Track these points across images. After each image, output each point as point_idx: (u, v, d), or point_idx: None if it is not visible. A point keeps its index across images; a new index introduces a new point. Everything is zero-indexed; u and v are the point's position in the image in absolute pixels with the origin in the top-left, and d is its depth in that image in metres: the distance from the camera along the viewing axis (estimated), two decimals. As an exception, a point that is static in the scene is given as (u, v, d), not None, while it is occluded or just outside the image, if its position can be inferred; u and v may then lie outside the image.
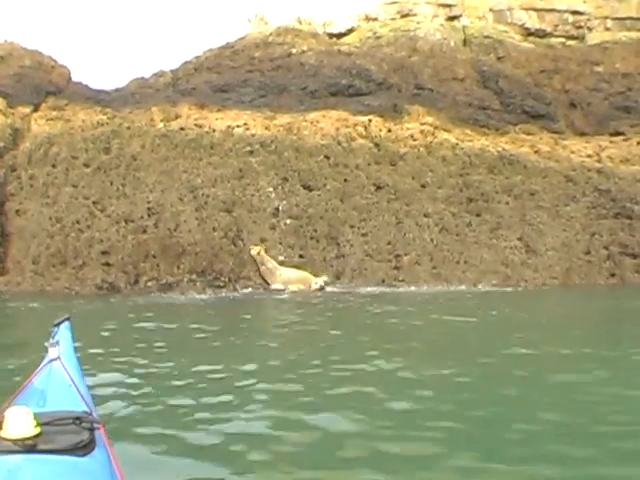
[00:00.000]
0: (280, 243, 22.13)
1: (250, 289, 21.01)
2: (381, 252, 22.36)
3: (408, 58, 30.35)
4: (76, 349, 3.84)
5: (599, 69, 33.04)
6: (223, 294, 20.18)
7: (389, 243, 22.63)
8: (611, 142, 29.24)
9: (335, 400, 6.61)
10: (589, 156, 27.72)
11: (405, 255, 22.44)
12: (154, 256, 21.87)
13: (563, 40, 34.44)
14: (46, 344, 3.60)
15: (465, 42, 32.91)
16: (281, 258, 21.76)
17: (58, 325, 3.96)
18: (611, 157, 27.81)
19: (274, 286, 21.00)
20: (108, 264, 21.89)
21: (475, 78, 30.33)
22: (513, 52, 32.41)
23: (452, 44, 32.06)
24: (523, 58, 32.18)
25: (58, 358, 3.43)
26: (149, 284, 21.37)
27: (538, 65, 32.23)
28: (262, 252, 21.12)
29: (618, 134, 29.88)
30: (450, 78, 29.77)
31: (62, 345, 3.60)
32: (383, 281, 21.71)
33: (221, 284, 20.97)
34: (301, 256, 21.99)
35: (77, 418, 2.46)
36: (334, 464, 4.81)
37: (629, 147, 28.68)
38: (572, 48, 33.51)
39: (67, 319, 4.09)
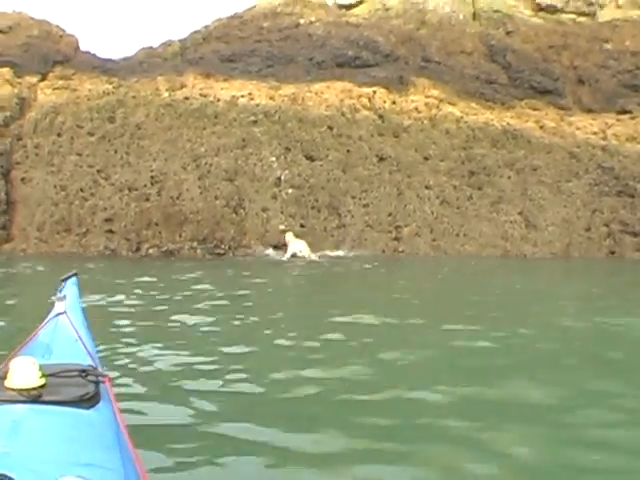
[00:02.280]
0: (281, 212, 22.28)
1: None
2: (382, 223, 22.48)
3: (416, 30, 30.20)
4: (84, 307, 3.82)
5: (608, 46, 32.69)
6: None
7: (390, 214, 22.73)
8: (618, 120, 29.03)
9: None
10: (594, 133, 27.56)
11: (405, 226, 22.56)
12: (156, 224, 22.12)
13: (574, 16, 34.07)
14: (53, 298, 3.63)
15: (474, 16, 32.64)
16: (282, 227, 21.93)
17: (65, 280, 3.97)
18: (617, 135, 27.64)
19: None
20: (111, 231, 22.18)
21: (483, 52, 30.13)
22: (522, 27, 32.13)
23: (461, 17, 31.84)
24: (532, 33, 31.90)
25: (64, 312, 3.42)
26: (150, 251, 21.66)
27: (547, 40, 31.94)
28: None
29: (625, 112, 29.64)
30: (458, 51, 29.60)
31: (69, 300, 3.60)
32: (383, 251, 21.85)
33: (221, 252, 21.22)
34: (302, 225, 22.15)
35: (83, 371, 2.45)
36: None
37: (636, 125, 28.47)
38: (582, 24, 33.15)
39: (74, 275, 4.07)
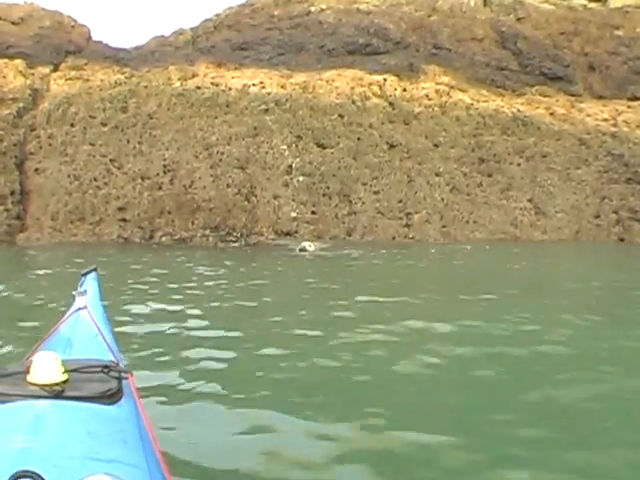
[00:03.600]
0: (293, 200, 22.47)
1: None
2: (392, 210, 22.63)
3: (427, 17, 30.21)
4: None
5: (619, 33, 32.58)
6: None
7: (400, 201, 22.88)
8: (629, 107, 29.01)
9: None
10: (605, 120, 27.55)
11: (416, 213, 22.71)
12: (169, 212, 22.39)
13: (585, 3, 33.96)
14: (73, 293, 3.59)
15: (485, 2, 32.62)
16: (293, 214, 22.11)
17: (85, 275, 3.94)
18: (627, 121, 27.63)
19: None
20: (124, 220, 22.47)
21: (494, 39, 30.13)
22: (533, 13, 32.08)
23: (472, 4, 31.82)
24: (543, 19, 31.84)
25: (85, 307, 3.39)
26: (163, 239, 21.94)
27: (558, 27, 31.88)
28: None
29: (636, 99, 29.60)
30: (469, 38, 29.60)
31: (89, 295, 3.57)
32: (393, 238, 22.01)
33: (233, 239, 21.45)
34: (313, 212, 22.34)
35: (105, 366, 2.41)
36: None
37: (646, 112, 28.48)
38: (593, 11, 33.04)
39: (94, 270, 4.03)
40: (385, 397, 4.82)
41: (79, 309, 3.39)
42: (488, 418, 4.33)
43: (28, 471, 1.44)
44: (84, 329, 3.16)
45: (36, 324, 6.91)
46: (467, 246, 19.91)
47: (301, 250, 19.28)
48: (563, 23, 32.27)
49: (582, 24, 32.42)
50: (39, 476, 1.44)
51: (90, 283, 3.83)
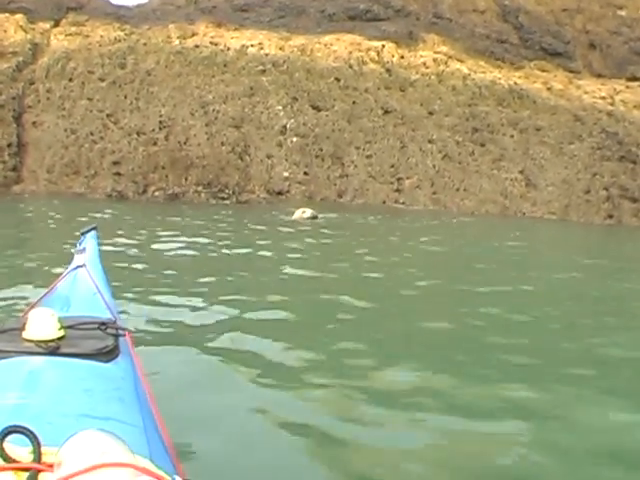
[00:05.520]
0: (286, 160, 22.67)
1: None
2: (384, 174, 22.84)
3: (429, -14, 30.11)
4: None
5: (622, 13, 32.52)
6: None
7: (392, 166, 23.07)
8: (627, 87, 28.99)
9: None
10: (602, 98, 27.58)
11: (407, 179, 22.91)
12: (163, 167, 22.58)
13: (589, -20, 33.85)
14: (72, 251, 3.59)
15: (489, -25, 32.49)
16: (286, 174, 22.33)
17: (84, 234, 3.91)
18: (625, 101, 27.66)
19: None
20: (119, 174, 22.66)
21: (495, 11, 30.10)
22: (537, -12, 32.00)
23: (475, -24, 31.69)
24: (546, -5, 31.79)
25: (84, 265, 3.36)
26: (156, 194, 22.14)
27: (560, 3, 31.82)
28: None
29: (635, 79, 29.58)
30: (470, 9, 29.58)
31: (88, 253, 3.55)
32: (384, 202, 22.24)
33: (225, 196, 21.69)
34: (306, 173, 22.55)
35: (102, 323, 2.37)
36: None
37: (644, 93, 28.51)
38: (596, -11, 32.95)
39: (94, 228, 3.98)
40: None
41: (77, 267, 3.37)
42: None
43: (19, 426, 1.38)
44: (82, 287, 3.14)
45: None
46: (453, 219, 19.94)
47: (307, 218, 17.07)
48: (566, 0, 32.22)
49: (585, 2, 32.34)
50: (31, 432, 1.38)
51: (89, 241, 3.81)
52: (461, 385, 4.25)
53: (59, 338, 2.15)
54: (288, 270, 8.74)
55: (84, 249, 3.57)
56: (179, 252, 9.96)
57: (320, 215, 17.42)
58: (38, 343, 2.11)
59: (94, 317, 2.47)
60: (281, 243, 12.04)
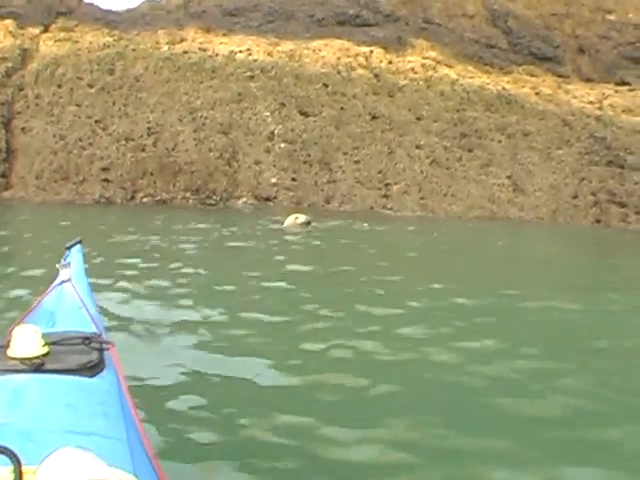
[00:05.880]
0: (274, 166, 22.71)
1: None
2: (371, 180, 22.89)
3: (419, -8, 30.18)
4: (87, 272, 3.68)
5: (611, 17, 32.58)
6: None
7: (380, 172, 23.13)
8: (616, 91, 29.07)
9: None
10: (591, 103, 27.67)
11: (395, 184, 22.96)
12: (151, 173, 22.62)
13: (578, -16, 33.92)
14: (57, 266, 3.52)
15: (478, -20, 32.57)
16: (273, 180, 22.37)
17: (70, 248, 3.85)
18: (613, 106, 27.74)
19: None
20: (107, 180, 22.69)
21: (485, 16, 30.16)
22: (526, -7, 32.08)
23: (465, -19, 31.76)
24: (535, 0, 31.86)
25: (69, 280, 3.32)
26: (145, 200, 22.19)
27: (550, 8, 31.87)
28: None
29: (624, 84, 29.65)
30: (459, 14, 29.63)
31: (73, 267, 3.51)
32: (371, 208, 22.28)
33: (213, 202, 21.74)
34: (293, 179, 22.60)
35: (86, 338, 2.36)
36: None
37: (633, 98, 28.50)
38: (586, -6, 33.03)
39: (79, 242, 3.93)
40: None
41: (63, 282, 3.34)
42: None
43: (3, 447, 1.39)
44: (67, 302, 3.12)
45: None
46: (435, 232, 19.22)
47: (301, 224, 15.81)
48: (555, 4, 32.26)
49: (574, 6, 32.41)
50: (11, 452, 1.39)
51: (75, 255, 3.77)
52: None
53: (44, 355, 2.15)
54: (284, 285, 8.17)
55: (69, 263, 3.54)
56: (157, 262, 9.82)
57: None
58: (23, 360, 2.11)
59: (79, 332, 2.47)
60: (273, 258, 10.78)
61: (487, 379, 4.59)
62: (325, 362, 4.92)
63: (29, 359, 2.12)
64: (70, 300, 3.12)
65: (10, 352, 2.16)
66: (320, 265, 10.04)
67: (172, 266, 9.07)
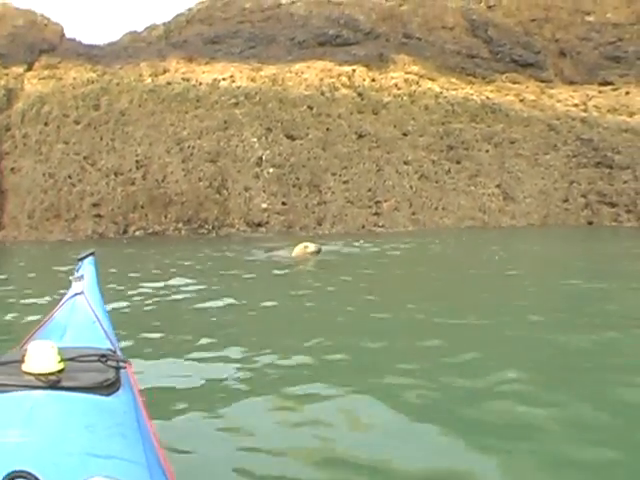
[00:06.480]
0: (264, 191, 22.80)
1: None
2: (362, 199, 22.98)
3: (398, 7, 30.37)
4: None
5: (590, 18, 32.79)
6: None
7: (369, 190, 23.22)
8: (600, 92, 29.24)
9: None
10: (575, 105, 27.83)
11: (385, 201, 23.05)
12: (142, 206, 22.71)
13: (556, -12, 34.18)
14: (70, 278, 3.50)
15: (456, -9, 32.80)
16: (264, 205, 22.45)
17: (82, 260, 3.81)
18: (598, 106, 27.90)
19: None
20: (99, 215, 22.79)
21: (464, 27, 30.36)
22: (504, 1, 32.31)
23: (443, -7, 31.98)
24: (514, 7, 32.07)
25: (82, 293, 3.27)
26: (137, 233, 22.27)
27: (529, 14, 32.12)
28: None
29: (607, 84, 29.82)
30: (439, 27, 29.83)
31: (86, 280, 3.46)
32: (363, 227, 22.37)
33: (205, 231, 21.83)
34: (284, 203, 22.67)
35: (103, 355, 2.30)
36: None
37: (617, 97, 28.69)
38: (564, -3, 33.28)
39: (91, 254, 3.89)
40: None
41: (76, 294, 3.28)
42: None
43: (23, 471, 1.37)
44: (81, 316, 3.04)
45: None
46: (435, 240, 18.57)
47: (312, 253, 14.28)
48: (534, 10, 32.50)
49: (553, 10, 32.66)
50: (34, 477, 1.37)
51: (87, 268, 3.70)
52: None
53: (59, 371, 2.10)
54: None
55: (82, 276, 3.47)
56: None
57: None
58: (38, 376, 2.06)
59: (94, 348, 2.43)
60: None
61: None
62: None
63: (45, 375, 2.07)
64: (83, 314, 3.06)
65: (25, 367, 2.10)
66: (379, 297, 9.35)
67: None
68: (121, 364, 2.31)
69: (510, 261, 13.01)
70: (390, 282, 10.99)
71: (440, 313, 7.44)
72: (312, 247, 14.53)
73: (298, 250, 14.60)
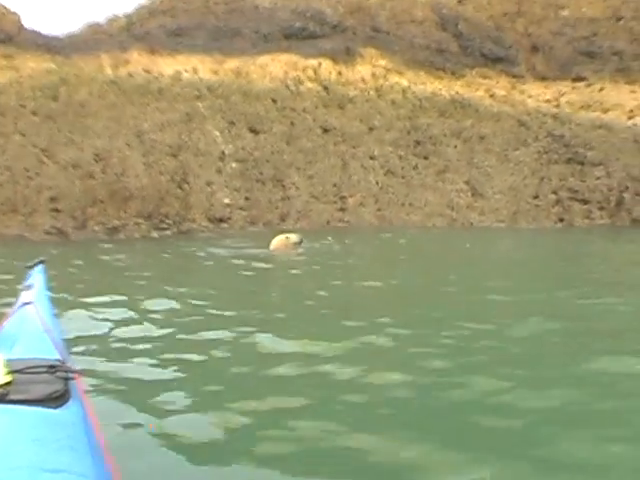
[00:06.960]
0: (226, 186, 22.25)
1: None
2: (326, 194, 22.51)
3: (365, 0, 29.90)
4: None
5: (564, 13, 32.50)
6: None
7: (334, 185, 22.77)
8: (573, 87, 28.99)
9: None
10: (547, 101, 27.58)
11: (350, 197, 22.62)
12: (102, 201, 22.00)
13: (529, -17, 33.88)
14: (19, 287, 3.43)
15: (426, -15, 32.38)
16: (227, 201, 21.89)
17: (32, 268, 3.72)
18: (570, 102, 27.67)
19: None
20: (57, 210, 22.04)
21: (434, 21, 29.95)
22: (475, -5, 31.98)
23: (412, -14, 31.54)
24: (485, 1, 31.73)
25: (31, 302, 3.18)
26: (96, 228, 21.59)
27: (501, 8, 31.76)
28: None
29: (580, 79, 29.57)
30: (408, 21, 29.38)
31: (36, 289, 3.37)
32: (328, 222, 21.90)
33: (166, 226, 21.21)
34: (247, 198, 22.15)
35: (51, 366, 2.25)
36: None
37: (591, 93, 28.47)
38: (538, -9, 32.99)
39: (41, 262, 3.80)
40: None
41: (25, 304, 3.18)
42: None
43: None
44: (30, 326, 2.96)
45: None
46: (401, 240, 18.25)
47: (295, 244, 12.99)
48: (506, 4, 32.15)
49: (526, 4, 32.34)
50: None
51: (37, 276, 3.61)
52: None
53: (7, 383, 2.06)
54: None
55: (31, 285, 3.38)
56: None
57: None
58: None
59: (43, 359, 2.36)
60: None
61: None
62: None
63: None
64: (32, 324, 2.97)
65: None
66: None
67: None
68: (70, 375, 2.27)
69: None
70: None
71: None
72: (294, 238, 13.39)
73: (277, 242, 13.42)
